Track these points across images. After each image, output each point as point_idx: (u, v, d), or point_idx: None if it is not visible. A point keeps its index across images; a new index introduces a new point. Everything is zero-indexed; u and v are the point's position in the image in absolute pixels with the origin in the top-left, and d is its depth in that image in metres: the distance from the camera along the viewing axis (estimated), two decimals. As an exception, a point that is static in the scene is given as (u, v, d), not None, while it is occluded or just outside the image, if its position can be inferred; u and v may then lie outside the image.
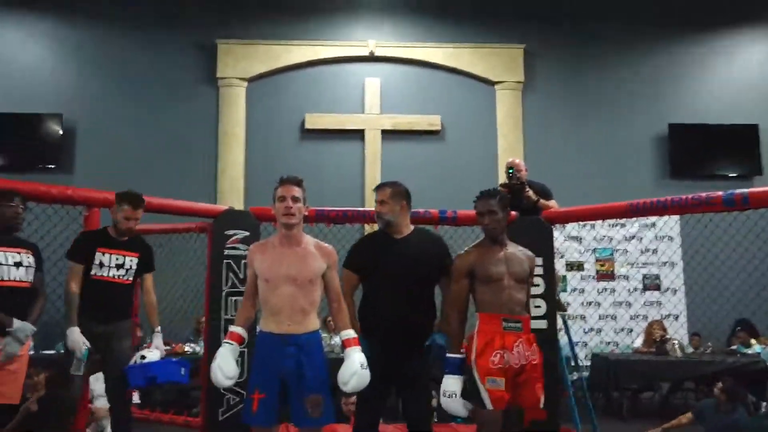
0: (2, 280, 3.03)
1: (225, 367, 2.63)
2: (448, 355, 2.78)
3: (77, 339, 3.21)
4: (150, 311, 3.67)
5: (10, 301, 3.03)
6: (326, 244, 2.80)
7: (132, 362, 3.41)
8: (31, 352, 3.69)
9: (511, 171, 4.63)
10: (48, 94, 8.23)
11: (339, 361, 2.74)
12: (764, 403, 5.76)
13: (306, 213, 2.78)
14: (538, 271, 4.29)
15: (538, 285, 4.31)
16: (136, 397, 5.24)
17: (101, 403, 4.41)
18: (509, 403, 2.77)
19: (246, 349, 3.55)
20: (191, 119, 8.39)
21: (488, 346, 2.71)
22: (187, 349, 6.02)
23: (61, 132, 8.05)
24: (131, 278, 3.50)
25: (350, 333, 2.71)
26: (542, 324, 4.22)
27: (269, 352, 2.65)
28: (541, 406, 2.70)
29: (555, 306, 4.41)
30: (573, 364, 5.14)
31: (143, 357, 3.44)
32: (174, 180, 7.81)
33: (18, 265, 3.08)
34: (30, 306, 3.16)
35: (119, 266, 3.41)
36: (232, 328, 2.74)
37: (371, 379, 2.67)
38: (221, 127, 8.33)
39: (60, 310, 3.43)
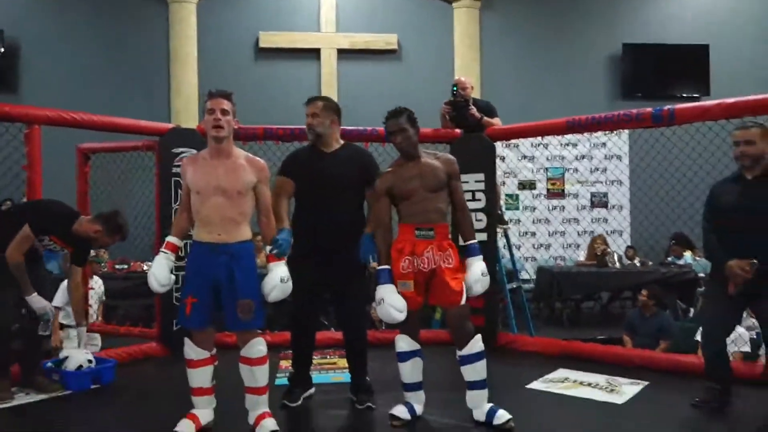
0: None
1: (159, 274, 2.74)
2: (378, 267, 2.93)
3: (43, 304, 3.30)
4: (78, 306, 3.68)
5: None
6: (257, 158, 2.85)
7: (63, 365, 3.53)
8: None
9: (455, 89, 4.69)
10: (-14, 9, 7.85)
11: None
12: (692, 309, 6.22)
13: (236, 126, 2.81)
14: (479, 186, 4.49)
15: (479, 200, 4.51)
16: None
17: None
18: (426, 304, 2.99)
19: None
20: (142, 37, 8.16)
21: (400, 254, 2.90)
22: (145, 267, 6.14)
23: (2, 49, 7.74)
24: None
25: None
26: (482, 237, 4.44)
27: (201, 261, 2.76)
28: (462, 301, 2.85)
29: (495, 220, 4.61)
30: (514, 274, 5.42)
31: (62, 361, 3.55)
32: (127, 100, 7.68)
33: None
34: None
35: (51, 250, 3.57)
36: (168, 238, 2.83)
37: (301, 287, 2.83)
38: (173, 46, 8.12)
39: None
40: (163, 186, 4.41)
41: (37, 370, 3.49)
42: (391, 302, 2.81)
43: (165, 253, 2.79)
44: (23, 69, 7.96)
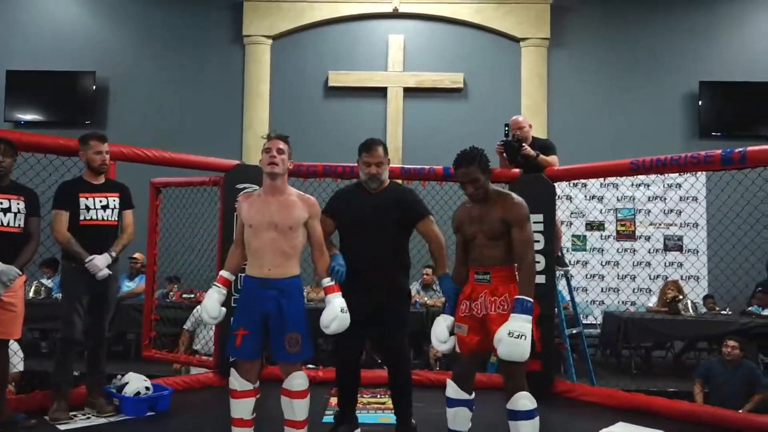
0: None
1: (210, 307, 2.89)
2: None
3: (101, 266, 3.40)
4: (118, 241, 3.62)
5: None
6: (309, 196, 2.97)
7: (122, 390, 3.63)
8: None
9: (507, 128, 4.70)
10: (81, 51, 8.55)
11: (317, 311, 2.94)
12: (775, 364, 5.76)
13: (290, 167, 2.94)
14: (537, 228, 4.37)
15: (538, 241, 4.38)
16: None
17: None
18: (480, 348, 2.87)
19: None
20: (218, 77, 8.61)
21: (463, 296, 2.90)
22: (209, 297, 6.34)
23: (94, 88, 8.37)
24: (116, 218, 3.61)
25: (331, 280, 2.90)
26: (540, 279, 4.31)
27: (252, 295, 2.85)
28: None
29: (554, 261, 4.48)
30: (575, 319, 5.21)
31: (123, 385, 3.66)
32: (202, 136, 8.06)
33: (5, 211, 3.20)
34: (19, 250, 3.22)
35: (104, 207, 3.55)
36: (221, 273, 2.98)
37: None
38: (247, 85, 8.52)
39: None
40: (227, 219, 4.56)
41: (99, 391, 3.62)
42: (435, 331, 2.94)
43: (217, 286, 2.93)
44: (111, 107, 8.56)
